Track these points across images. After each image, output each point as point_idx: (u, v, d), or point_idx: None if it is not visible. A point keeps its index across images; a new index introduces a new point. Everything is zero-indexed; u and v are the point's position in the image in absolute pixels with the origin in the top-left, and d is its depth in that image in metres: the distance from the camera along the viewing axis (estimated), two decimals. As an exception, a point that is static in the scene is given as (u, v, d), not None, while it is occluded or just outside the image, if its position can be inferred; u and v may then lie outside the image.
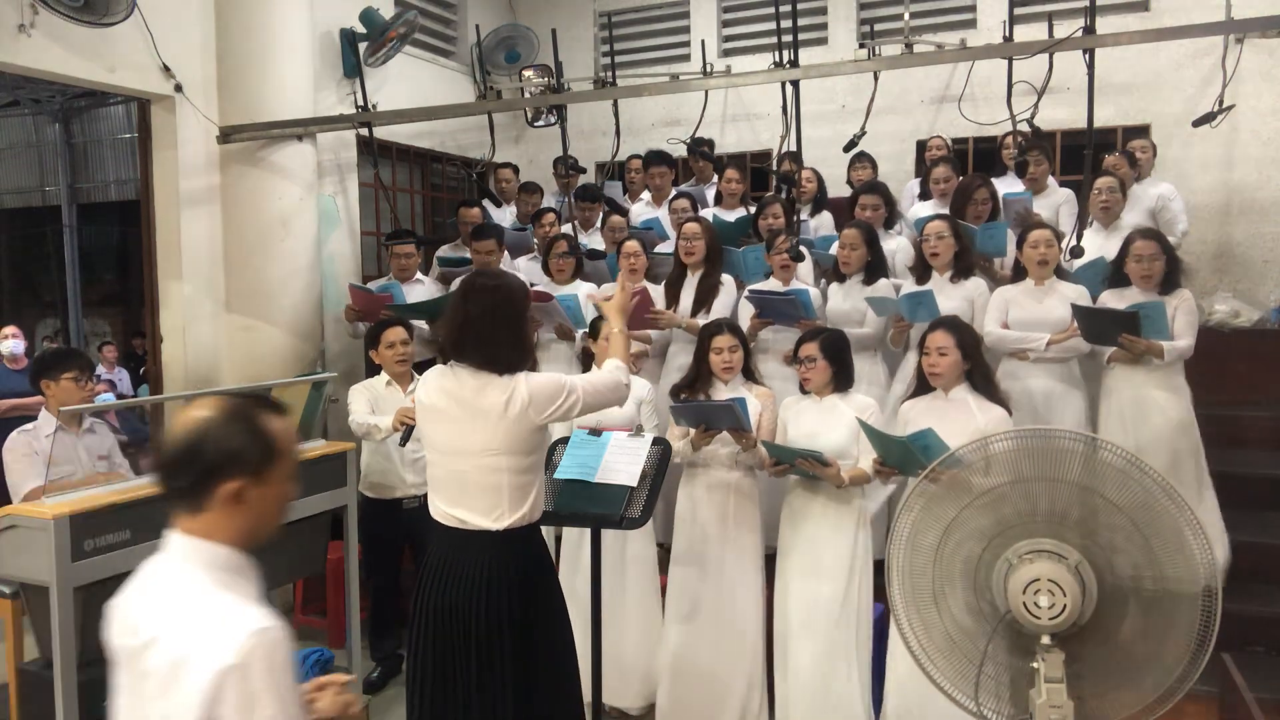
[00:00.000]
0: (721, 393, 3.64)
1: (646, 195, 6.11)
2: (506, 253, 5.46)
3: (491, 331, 2.53)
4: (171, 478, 1.53)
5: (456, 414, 2.55)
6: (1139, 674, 2.11)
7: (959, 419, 3.23)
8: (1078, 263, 4.32)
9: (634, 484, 3.11)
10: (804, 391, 3.61)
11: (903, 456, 3.16)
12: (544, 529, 2.85)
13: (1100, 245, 4.46)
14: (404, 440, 3.73)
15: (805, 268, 4.65)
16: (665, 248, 5.12)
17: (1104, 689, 2.13)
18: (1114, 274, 4.06)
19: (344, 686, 1.66)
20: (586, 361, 4.00)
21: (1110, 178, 4.70)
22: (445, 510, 2.59)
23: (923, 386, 3.47)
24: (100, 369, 8.49)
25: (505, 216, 6.25)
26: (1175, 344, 3.83)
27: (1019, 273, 4.17)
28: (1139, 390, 3.94)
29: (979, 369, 3.38)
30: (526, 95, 6.06)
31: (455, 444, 2.57)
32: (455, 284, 3.14)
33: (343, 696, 1.66)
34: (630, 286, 3.36)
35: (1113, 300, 4.01)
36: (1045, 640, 2.08)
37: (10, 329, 6.19)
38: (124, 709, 1.51)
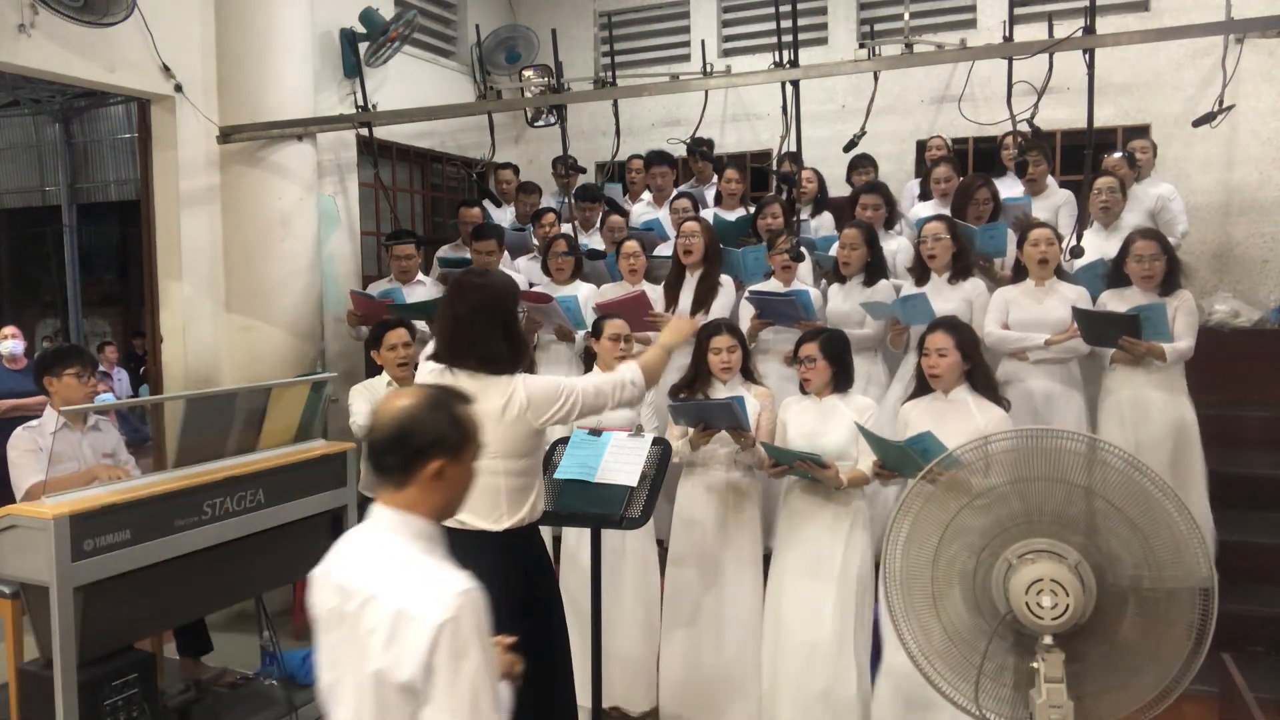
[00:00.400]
0: (720, 393, 3.64)
1: (647, 195, 6.11)
2: (507, 253, 5.46)
3: (484, 332, 2.53)
4: (381, 458, 1.72)
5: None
6: (1138, 672, 2.12)
7: (958, 420, 3.23)
8: (1078, 263, 4.32)
9: (634, 484, 3.12)
10: (804, 392, 3.61)
11: (901, 460, 3.16)
12: (543, 529, 2.85)
13: (1100, 246, 4.46)
14: None
15: (805, 268, 4.64)
16: (665, 249, 5.12)
17: (1103, 688, 2.14)
18: (1114, 274, 4.06)
19: (507, 647, 1.85)
20: (588, 362, 4.00)
21: (1110, 178, 4.70)
22: None
23: (922, 387, 3.47)
24: (101, 368, 8.49)
25: (505, 217, 6.24)
26: (1176, 346, 3.83)
27: (1019, 273, 4.16)
28: (1138, 391, 3.94)
29: (979, 370, 3.38)
30: (526, 95, 6.06)
31: None
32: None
33: (507, 656, 1.84)
34: (696, 320, 3.37)
35: (1113, 300, 4.00)
36: (1047, 640, 2.08)
37: (9, 329, 6.19)
38: (338, 662, 1.69)
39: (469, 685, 1.55)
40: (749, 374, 3.78)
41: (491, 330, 2.54)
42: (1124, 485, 2.12)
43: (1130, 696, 2.13)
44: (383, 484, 1.73)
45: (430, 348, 2.66)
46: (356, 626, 1.64)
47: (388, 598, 1.60)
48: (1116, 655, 2.14)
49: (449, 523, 2.60)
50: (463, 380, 2.56)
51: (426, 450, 1.69)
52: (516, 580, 2.56)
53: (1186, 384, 4.00)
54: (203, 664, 3.76)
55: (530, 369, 3.81)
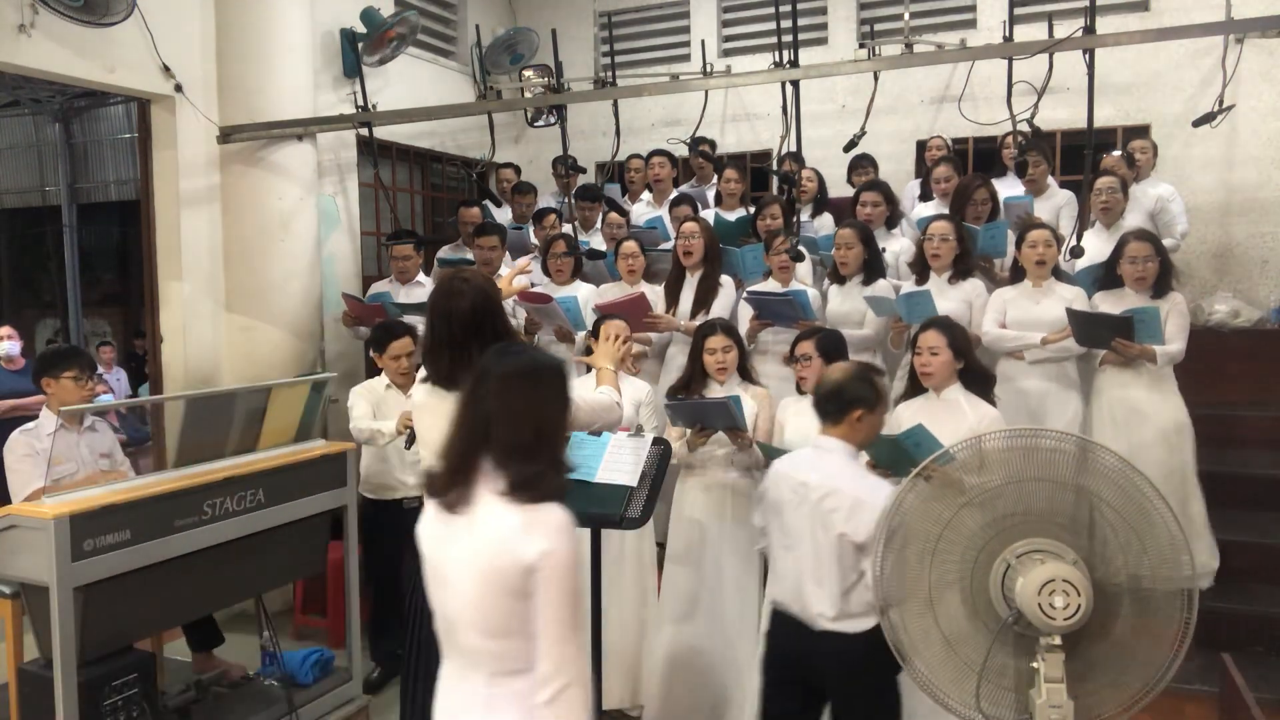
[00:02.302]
0: (717, 393, 3.64)
1: (647, 195, 6.12)
2: (508, 252, 5.47)
3: (468, 353, 2.49)
4: (826, 405, 2.70)
5: (452, 415, 2.55)
6: (1127, 670, 2.13)
7: (952, 419, 3.22)
8: (1079, 264, 4.31)
9: (634, 484, 3.11)
10: (800, 391, 3.61)
11: (893, 456, 3.16)
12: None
13: (1102, 247, 4.45)
14: (409, 444, 3.73)
15: (805, 268, 4.64)
16: (668, 246, 5.12)
17: (1099, 686, 2.14)
18: (1106, 275, 4.06)
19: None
20: (589, 362, 4.00)
21: (1111, 178, 4.70)
22: None
23: (915, 388, 3.46)
24: (99, 369, 8.48)
25: (505, 216, 6.25)
26: (1167, 349, 3.83)
27: (1017, 273, 4.16)
28: (1128, 391, 3.95)
29: (972, 369, 3.37)
30: (526, 95, 6.06)
31: None
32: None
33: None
34: (627, 344, 3.34)
35: (1105, 301, 4.01)
36: (1055, 640, 2.08)
37: (4, 330, 6.19)
38: (807, 533, 2.65)
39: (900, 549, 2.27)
40: (746, 374, 3.78)
41: (484, 344, 2.51)
42: (1116, 484, 2.13)
43: (1120, 695, 2.14)
44: (823, 422, 2.71)
45: (423, 371, 2.65)
46: (819, 506, 2.60)
47: (847, 489, 2.58)
48: (1113, 653, 2.15)
49: None
50: (456, 400, 2.54)
51: (854, 402, 2.65)
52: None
53: (1177, 384, 4.00)
54: (215, 657, 3.76)
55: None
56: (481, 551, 1.75)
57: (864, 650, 2.56)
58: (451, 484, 1.84)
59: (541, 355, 1.99)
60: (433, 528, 1.92)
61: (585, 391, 2.74)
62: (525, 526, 1.73)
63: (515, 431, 1.78)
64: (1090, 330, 3.85)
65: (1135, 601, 2.12)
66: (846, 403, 2.65)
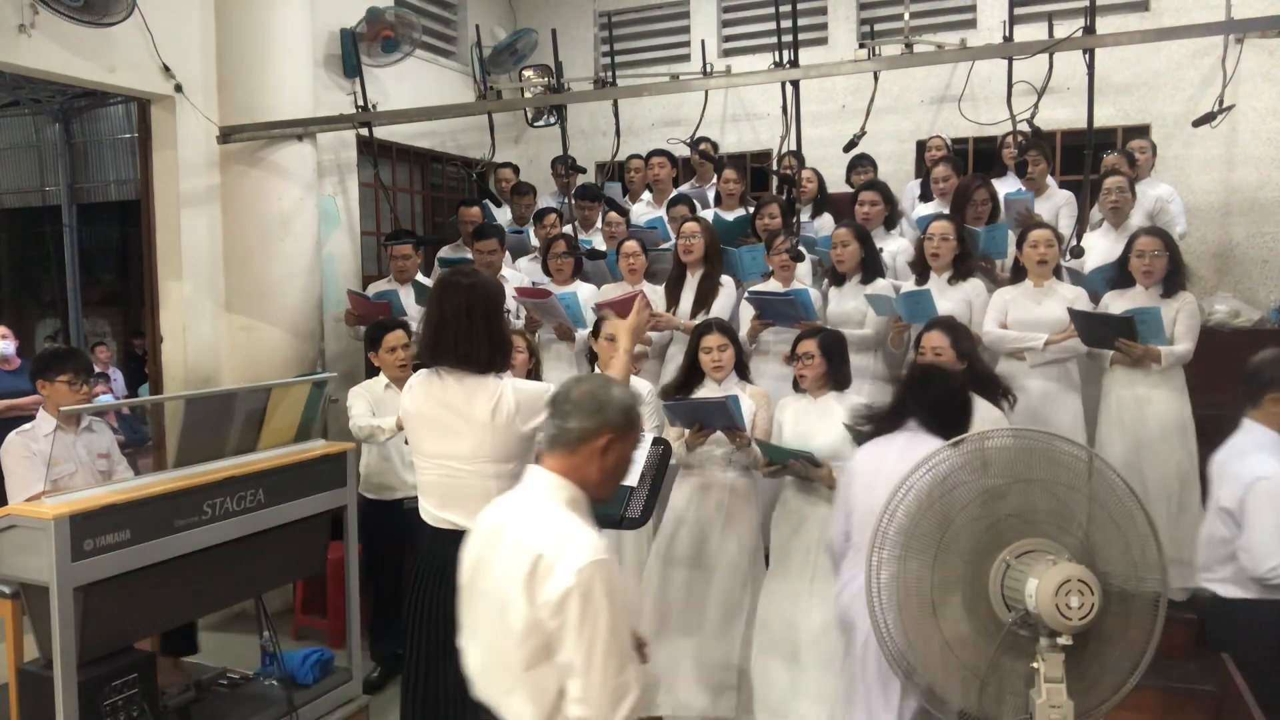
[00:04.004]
0: (712, 392, 3.63)
1: (647, 195, 6.11)
2: (508, 253, 5.46)
3: (465, 332, 2.54)
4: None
5: (445, 421, 2.57)
6: (1108, 669, 2.15)
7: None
8: (1089, 264, 4.31)
9: (634, 484, 3.11)
10: (798, 389, 3.61)
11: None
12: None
13: (1109, 247, 4.45)
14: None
15: (804, 268, 4.64)
16: (668, 246, 5.12)
17: (1085, 684, 2.15)
18: (1118, 273, 4.05)
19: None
20: (591, 361, 4.00)
21: (1119, 177, 4.70)
22: (435, 513, 2.62)
23: None
24: (96, 368, 8.48)
25: (505, 217, 6.25)
26: (1174, 349, 3.81)
27: (1018, 273, 4.16)
28: (1137, 391, 3.93)
29: (975, 369, 3.36)
30: (526, 95, 6.05)
31: (444, 450, 2.59)
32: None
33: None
34: (646, 311, 3.36)
35: (1116, 300, 4.00)
36: (1066, 640, 2.09)
37: (0, 329, 6.19)
38: None
39: None
40: (744, 374, 3.77)
41: (472, 330, 2.55)
42: (1105, 485, 2.17)
43: (1098, 693, 2.16)
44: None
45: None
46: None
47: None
48: (1105, 651, 2.16)
49: (437, 523, 2.63)
50: (449, 383, 2.57)
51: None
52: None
53: (1186, 387, 3.99)
54: (182, 666, 3.68)
55: (536, 370, 3.82)
56: None
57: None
58: None
59: None
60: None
61: None
62: None
63: None
64: (1094, 330, 3.85)
65: (1119, 601, 2.14)
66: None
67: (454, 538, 2.55)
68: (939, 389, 2.75)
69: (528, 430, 2.58)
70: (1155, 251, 3.88)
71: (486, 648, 1.83)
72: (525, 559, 1.70)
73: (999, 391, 3.36)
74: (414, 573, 2.67)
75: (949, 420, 2.61)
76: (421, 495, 2.67)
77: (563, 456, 1.86)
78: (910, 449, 2.51)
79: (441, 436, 2.58)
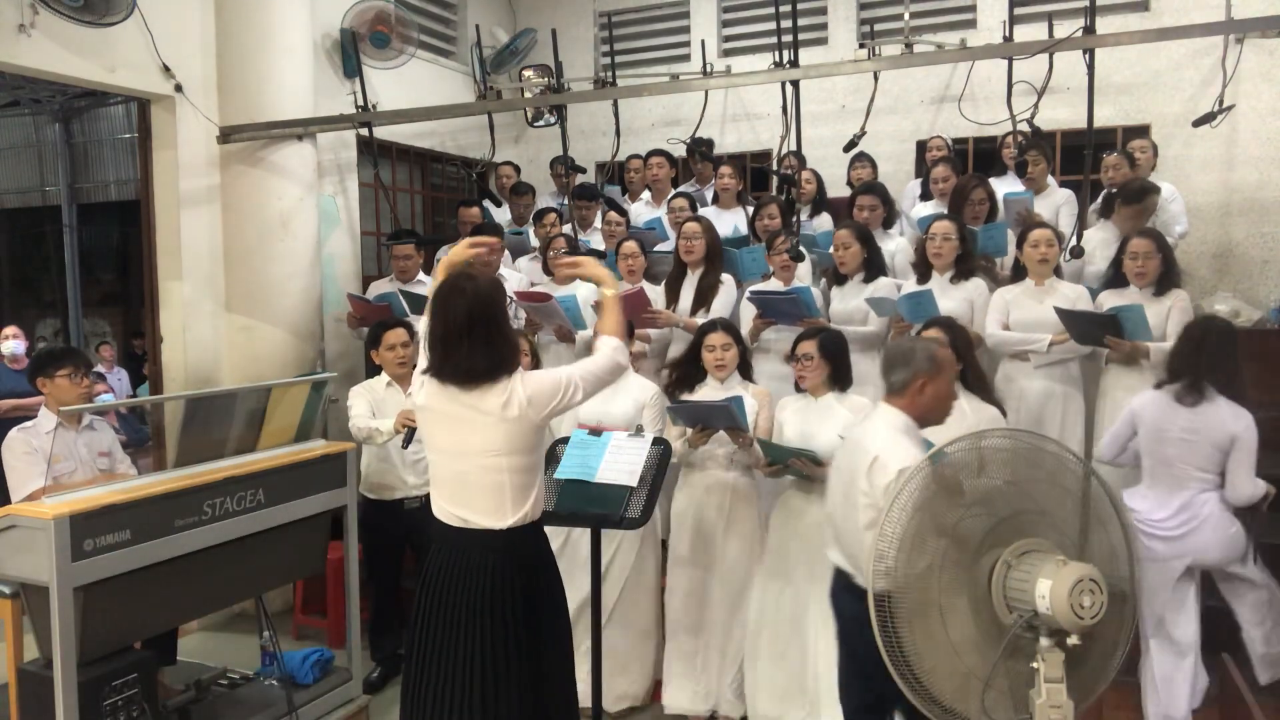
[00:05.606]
0: (715, 391, 3.64)
1: (646, 195, 6.11)
2: (508, 253, 5.46)
3: (469, 348, 2.48)
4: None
5: (456, 415, 2.55)
6: (1101, 663, 2.16)
7: (952, 419, 3.22)
8: (1091, 263, 4.31)
9: (634, 484, 3.12)
10: (798, 390, 3.61)
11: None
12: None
13: (1107, 240, 4.46)
14: (406, 443, 3.73)
15: (804, 268, 4.64)
16: (666, 248, 5.11)
17: (1076, 681, 2.16)
18: (1113, 274, 4.07)
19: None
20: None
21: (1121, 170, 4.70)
22: (448, 509, 2.59)
23: None
24: (100, 368, 8.49)
25: (505, 216, 6.25)
26: (1162, 345, 3.81)
27: (1019, 273, 4.16)
28: (1132, 392, 3.93)
29: (971, 369, 3.37)
30: (526, 95, 6.05)
31: (456, 445, 2.56)
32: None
33: None
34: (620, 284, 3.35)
35: (1111, 299, 4.01)
36: (1074, 640, 2.09)
37: (11, 329, 6.20)
38: None
39: None
40: (747, 373, 3.77)
41: (474, 346, 2.51)
42: (1092, 485, 2.20)
43: (1083, 688, 2.18)
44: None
45: (423, 361, 2.64)
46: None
47: None
48: (1096, 648, 2.17)
49: (450, 520, 2.60)
50: (455, 392, 2.53)
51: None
52: (521, 578, 2.56)
53: None
54: (161, 677, 3.61)
55: (536, 368, 3.81)
56: None
57: None
58: None
59: None
60: None
61: (584, 363, 2.72)
62: None
63: None
64: (1082, 328, 3.88)
65: (1112, 598, 2.14)
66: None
67: (467, 535, 2.56)
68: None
69: (540, 420, 2.57)
70: (1146, 253, 3.91)
71: (842, 515, 2.65)
72: (867, 458, 2.51)
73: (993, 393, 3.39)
74: (424, 569, 2.65)
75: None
76: (434, 490, 2.65)
77: (896, 398, 2.64)
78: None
79: (453, 430, 2.56)
